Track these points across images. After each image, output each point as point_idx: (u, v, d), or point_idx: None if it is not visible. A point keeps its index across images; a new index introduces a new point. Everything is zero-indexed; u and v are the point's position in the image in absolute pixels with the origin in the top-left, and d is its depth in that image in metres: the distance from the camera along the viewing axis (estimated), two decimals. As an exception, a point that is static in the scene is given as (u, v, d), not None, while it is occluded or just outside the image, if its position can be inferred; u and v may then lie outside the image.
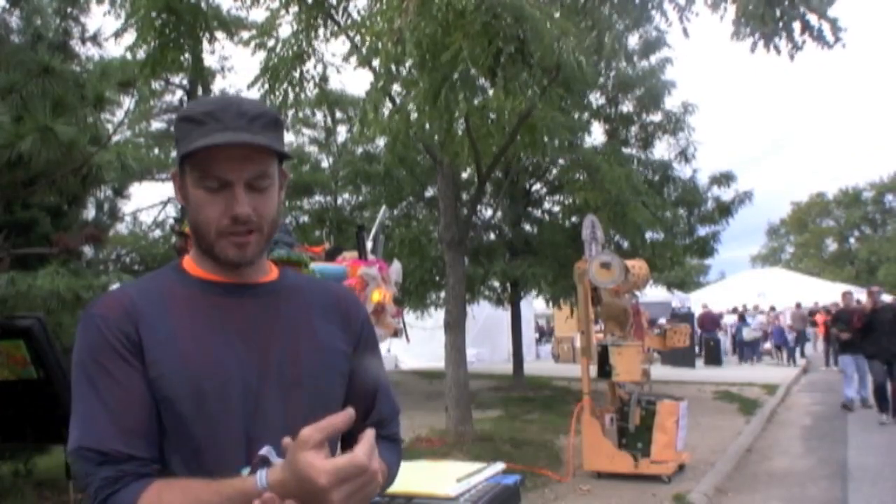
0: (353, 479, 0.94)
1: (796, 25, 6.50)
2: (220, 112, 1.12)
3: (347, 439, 1.30)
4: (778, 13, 6.39)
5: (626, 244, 11.80)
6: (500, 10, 5.45)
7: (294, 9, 7.21)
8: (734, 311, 23.44)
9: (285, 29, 7.31)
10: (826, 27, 6.43)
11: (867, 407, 10.66)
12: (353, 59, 6.73)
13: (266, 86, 7.15)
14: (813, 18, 6.47)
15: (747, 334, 20.74)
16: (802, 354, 21.15)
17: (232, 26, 8.13)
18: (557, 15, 6.30)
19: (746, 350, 20.74)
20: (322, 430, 0.94)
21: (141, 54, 6.69)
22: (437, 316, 12.30)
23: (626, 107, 13.27)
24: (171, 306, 1.13)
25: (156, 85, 12.37)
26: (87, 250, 6.25)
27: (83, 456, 1.04)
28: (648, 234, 11.54)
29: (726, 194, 13.36)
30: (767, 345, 21.43)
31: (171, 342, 1.09)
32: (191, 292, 1.17)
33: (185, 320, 1.12)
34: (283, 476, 0.95)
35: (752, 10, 6.32)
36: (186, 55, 6.90)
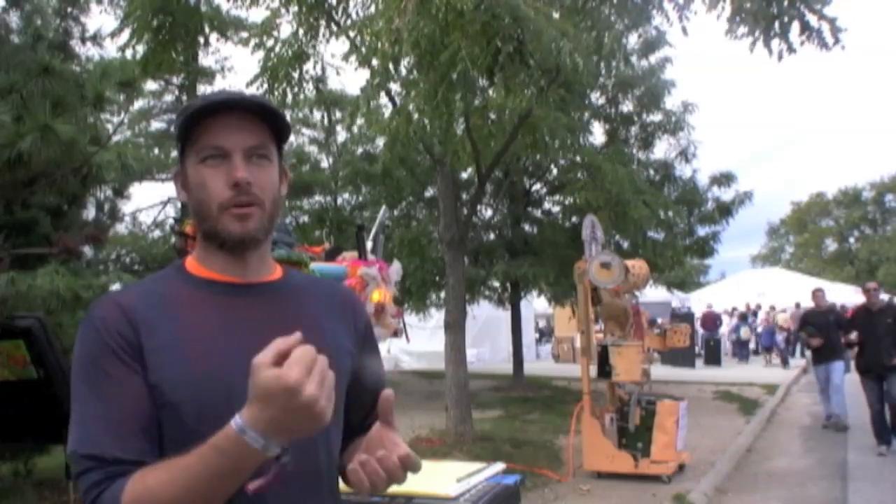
0: (316, 365, 0.94)
1: (795, 26, 6.48)
2: (214, 94, 1.17)
3: (352, 436, 1.30)
4: (775, 12, 6.37)
5: (626, 244, 11.80)
6: (498, 11, 5.45)
7: (294, 8, 7.21)
8: (733, 311, 23.35)
9: (285, 28, 7.32)
10: (825, 28, 6.41)
11: (840, 429, 9.16)
12: (353, 59, 6.73)
13: (265, 85, 7.16)
14: (812, 19, 6.44)
15: (744, 334, 20.71)
16: (803, 354, 20.96)
17: (230, 27, 8.14)
18: (557, 15, 6.30)
19: (740, 350, 20.70)
20: (273, 348, 0.94)
21: (137, 54, 6.70)
22: (438, 316, 12.30)
23: (626, 107, 13.27)
24: (174, 309, 1.12)
25: (155, 85, 12.39)
26: (87, 250, 6.25)
27: (78, 459, 1.04)
28: (650, 234, 11.54)
29: (726, 194, 13.38)
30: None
31: (174, 346, 1.08)
32: (194, 293, 1.15)
33: (188, 323, 1.11)
34: (254, 403, 0.93)
35: (748, 7, 6.31)
36: (180, 56, 6.93)
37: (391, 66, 5.92)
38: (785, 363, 18.94)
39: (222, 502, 1.00)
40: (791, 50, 6.46)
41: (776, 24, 6.42)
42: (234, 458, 0.95)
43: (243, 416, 0.94)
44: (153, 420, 1.06)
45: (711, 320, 20.52)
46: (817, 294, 9.88)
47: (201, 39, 7.19)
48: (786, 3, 6.36)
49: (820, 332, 9.15)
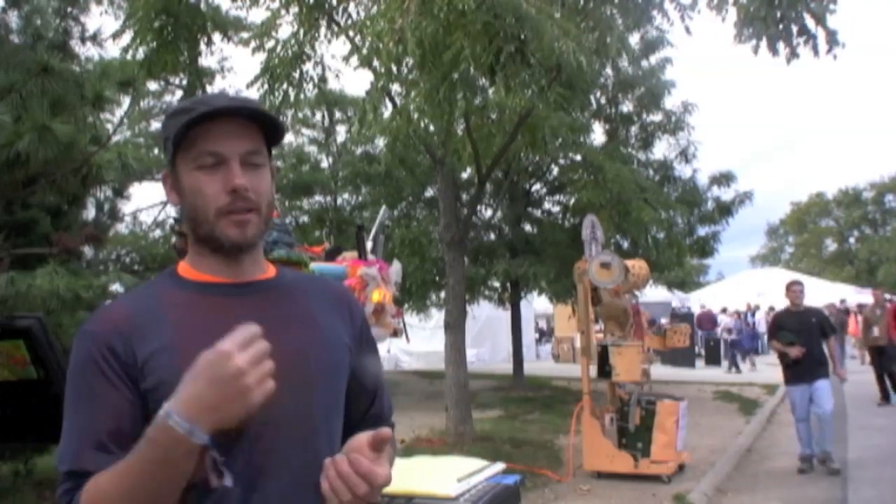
0: (253, 345, 0.97)
1: (795, 29, 6.49)
2: (210, 98, 1.19)
3: (351, 432, 1.30)
4: (779, 15, 6.38)
5: (626, 244, 11.80)
6: (500, 10, 5.45)
7: (294, 9, 7.21)
8: (725, 311, 23.20)
9: (285, 29, 7.32)
10: (822, 35, 6.42)
11: (833, 473, 6.70)
12: (354, 60, 6.73)
13: (265, 86, 7.15)
14: (811, 24, 6.45)
15: (738, 335, 20.71)
16: (734, 365, 18.40)
17: (230, 27, 8.13)
18: (558, 15, 6.30)
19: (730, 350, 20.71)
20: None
21: (139, 55, 6.70)
22: (438, 316, 12.30)
23: (627, 107, 13.28)
24: (168, 312, 1.13)
25: (155, 85, 12.38)
26: (87, 250, 6.24)
27: (59, 469, 1.07)
28: (652, 233, 11.53)
29: (726, 194, 13.40)
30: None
31: (169, 349, 1.08)
32: (188, 297, 1.16)
33: (182, 325, 1.11)
34: (184, 381, 0.98)
35: (753, 13, 6.32)
36: (183, 56, 6.92)
37: (394, 67, 5.92)
38: (734, 368, 17.56)
39: (173, 500, 1.02)
40: (795, 54, 6.47)
41: (780, 27, 6.43)
42: (164, 446, 0.97)
43: (170, 400, 0.98)
44: (134, 434, 1.06)
45: (708, 319, 20.49)
46: (794, 289, 7.06)
47: (204, 39, 7.17)
48: (787, 5, 6.36)
49: (798, 339, 6.76)
